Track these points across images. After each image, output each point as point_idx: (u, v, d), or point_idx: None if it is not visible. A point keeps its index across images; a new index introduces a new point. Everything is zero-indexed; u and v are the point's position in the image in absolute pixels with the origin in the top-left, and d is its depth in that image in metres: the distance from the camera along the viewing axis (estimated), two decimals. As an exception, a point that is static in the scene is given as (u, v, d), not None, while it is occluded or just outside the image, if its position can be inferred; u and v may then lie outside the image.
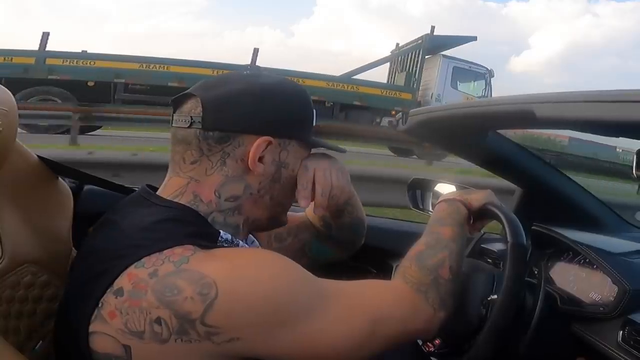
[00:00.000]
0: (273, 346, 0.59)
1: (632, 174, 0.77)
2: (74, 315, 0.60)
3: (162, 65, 9.79)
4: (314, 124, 0.77)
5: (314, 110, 0.77)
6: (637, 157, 0.76)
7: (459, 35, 11.93)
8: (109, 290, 0.58)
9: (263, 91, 0.71)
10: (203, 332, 0.56)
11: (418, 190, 1.28)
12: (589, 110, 0.73)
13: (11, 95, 0.74)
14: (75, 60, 9.40)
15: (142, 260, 0.59)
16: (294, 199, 0.77)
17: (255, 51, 10.26)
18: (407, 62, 11.38)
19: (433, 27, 10.83)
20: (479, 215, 0.87)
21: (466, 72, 11.24)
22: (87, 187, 1.06)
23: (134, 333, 0.56)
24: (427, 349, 0.88)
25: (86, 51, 9.83)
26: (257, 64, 10.17)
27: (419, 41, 11.01)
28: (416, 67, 10.88)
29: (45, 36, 9.40)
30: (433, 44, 10.86)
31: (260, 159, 0.70)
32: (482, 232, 1.05)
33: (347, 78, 10.94)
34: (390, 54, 12.49)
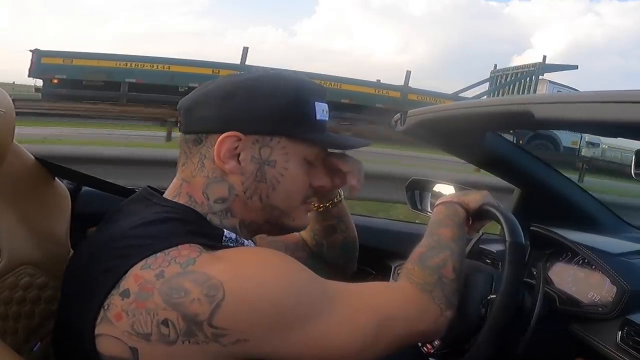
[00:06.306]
0: (280, 347, 0.59)
1: (631, 173, 0.77)
2: (77, 316, 0.60)
3: (336, 84, 11.98)
4: (317, 118, 0.71)
5: (313, 104, 0.70)
6: (635, 157, 0.77)
7: (562, 64, 14.40)
8: (114, 291, 0.57)
9: (232, 88, 0.68)
10: (210, 333, 0.56)
11: (416, 191, 1.28)
12: (587, 111, 0.72)
13: (8, 96, 0.74)
14: None
15: (148, 261, 0.58)
16: (298, 202, 0.73)
17: (408, 74, 11.89)
18: (518, 85, 13.26)
19: (545, 57, 13.61)
20: (477, 216, 0.87)
21: None
22: (84, 188, 1.06)
23: (140, 335, 0.56)
24: (427, 350, 0.88)
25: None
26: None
27: (532, 68, 13.21)
28: (529, 91, 12.71)
29: (245, 51, 10.34)
30: (543, 71, 13.14)
31: (238, 157, 0.68)
32: (480, 233, 1.05)
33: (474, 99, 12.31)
34: (490, 74, 14.36)
